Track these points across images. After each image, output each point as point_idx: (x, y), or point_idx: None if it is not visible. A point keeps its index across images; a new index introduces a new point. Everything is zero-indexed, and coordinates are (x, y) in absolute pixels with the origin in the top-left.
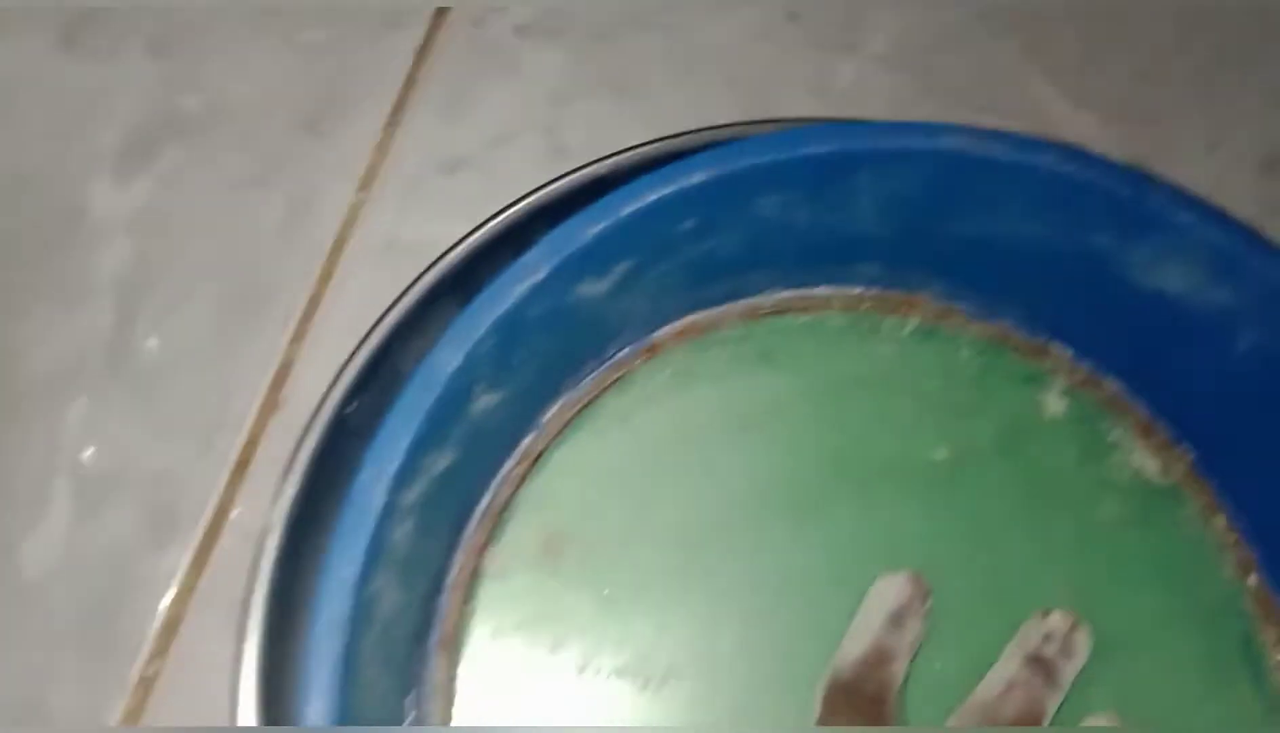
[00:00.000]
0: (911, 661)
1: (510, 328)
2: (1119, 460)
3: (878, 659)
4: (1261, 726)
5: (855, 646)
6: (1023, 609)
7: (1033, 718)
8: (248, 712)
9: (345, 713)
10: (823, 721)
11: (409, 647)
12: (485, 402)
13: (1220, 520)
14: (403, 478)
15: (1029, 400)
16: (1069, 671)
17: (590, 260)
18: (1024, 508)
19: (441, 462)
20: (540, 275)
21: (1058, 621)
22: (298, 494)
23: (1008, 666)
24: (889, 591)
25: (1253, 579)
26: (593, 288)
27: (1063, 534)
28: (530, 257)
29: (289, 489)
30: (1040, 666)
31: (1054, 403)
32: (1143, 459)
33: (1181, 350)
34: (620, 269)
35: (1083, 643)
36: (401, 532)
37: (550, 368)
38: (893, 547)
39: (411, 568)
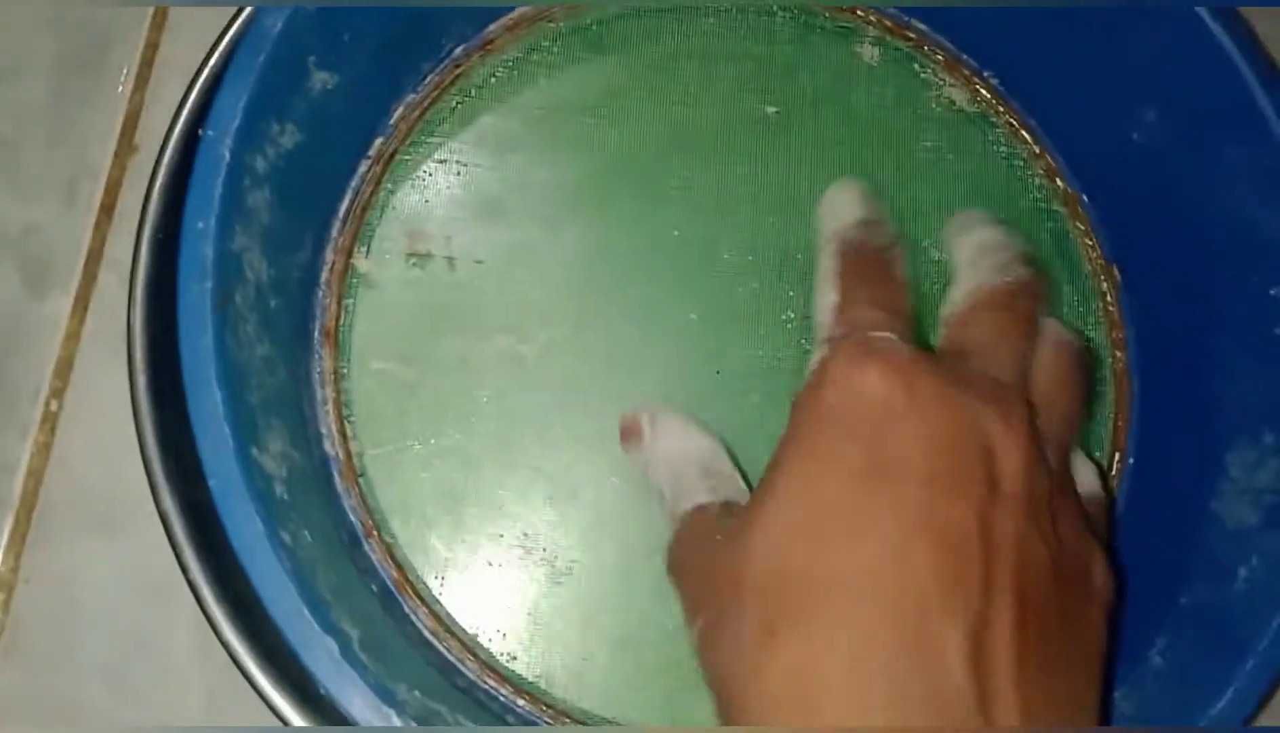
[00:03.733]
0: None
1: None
2: (932, 96)
3: (871, 223)
4: (1075, 309)
5: (847, 215)
6: None
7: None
8: (147, 424)
9: (224, 356)
10: (842, 277)
11: (292, 334)
12: (322, 81)
13: (1026, 135)
14: (246, 138)
15: (845, 52)
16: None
17: None
18: (850, 151)
19: (287, 136)
20: None
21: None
22: (159, 218)
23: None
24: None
25: (1060, 183)
26: None
27: (889, 168)
28: None
29: (151, 211)
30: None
31: (868, 52)
32: (953, 91)
33: None
34: None
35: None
36: (258, 199)
37: (385, 59)
38: (734, 201)
39: (277, 244)
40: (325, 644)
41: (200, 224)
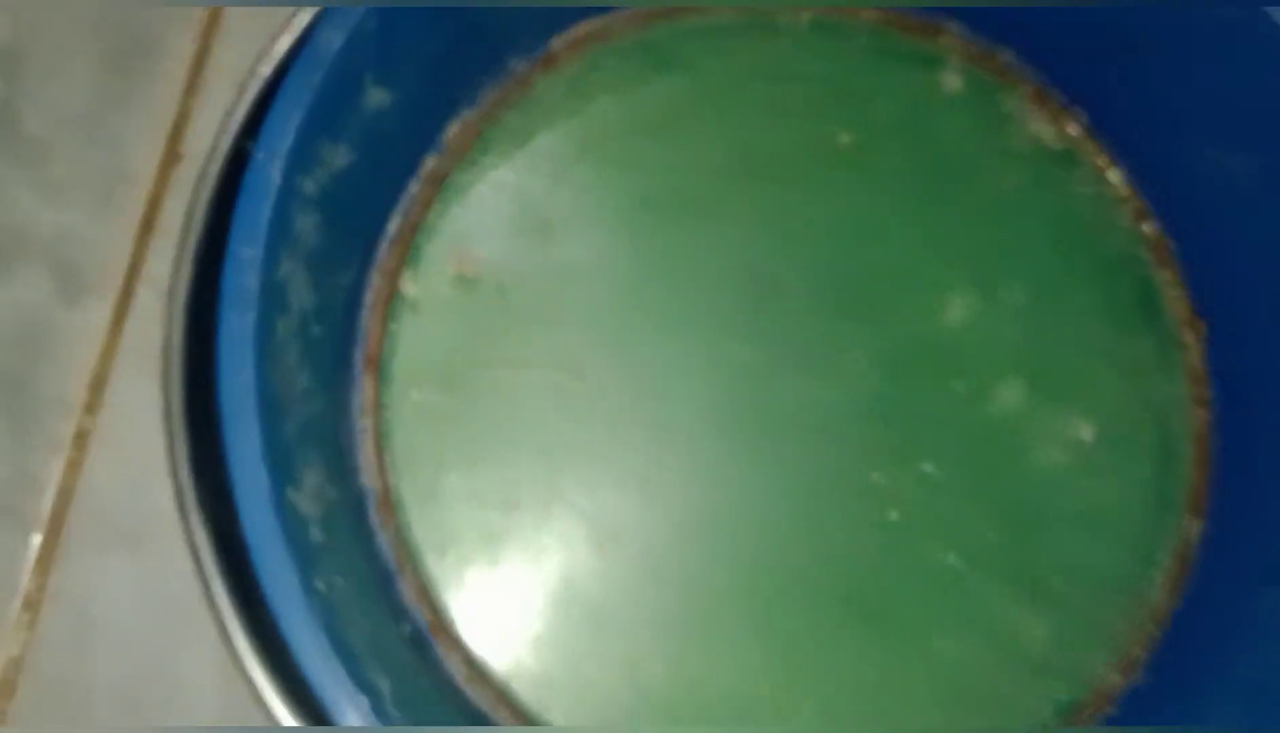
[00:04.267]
0: None
1: (391, 14)
2: (1015, 130)
3: None
4: (1156, 362)
5: None
6: (933, 281)
7: None
8: (181, 449)
9: (264, 391)
10: None
11: (334, 363)
12: (377, 98)
13: (1115, 176)
14: (298, 161)
15: (926, 80)
16: None
17: None
18: (928, 184)
19: (339, 157)
20: None
21: None
22: (202, 235)
23: None
24: None
25: (1147, 227)
26: None
27: (967, 206)
28: None
29: (194, 230)
30: None
31: (950, 80)
32: (1038, 126)
33: (1068, 14)
34: None
35: None
36: (306, 223)
37: (442, 74)
38: (802, 231)
39: (322, 268)
40: (359, 702)
41: (247, 252)
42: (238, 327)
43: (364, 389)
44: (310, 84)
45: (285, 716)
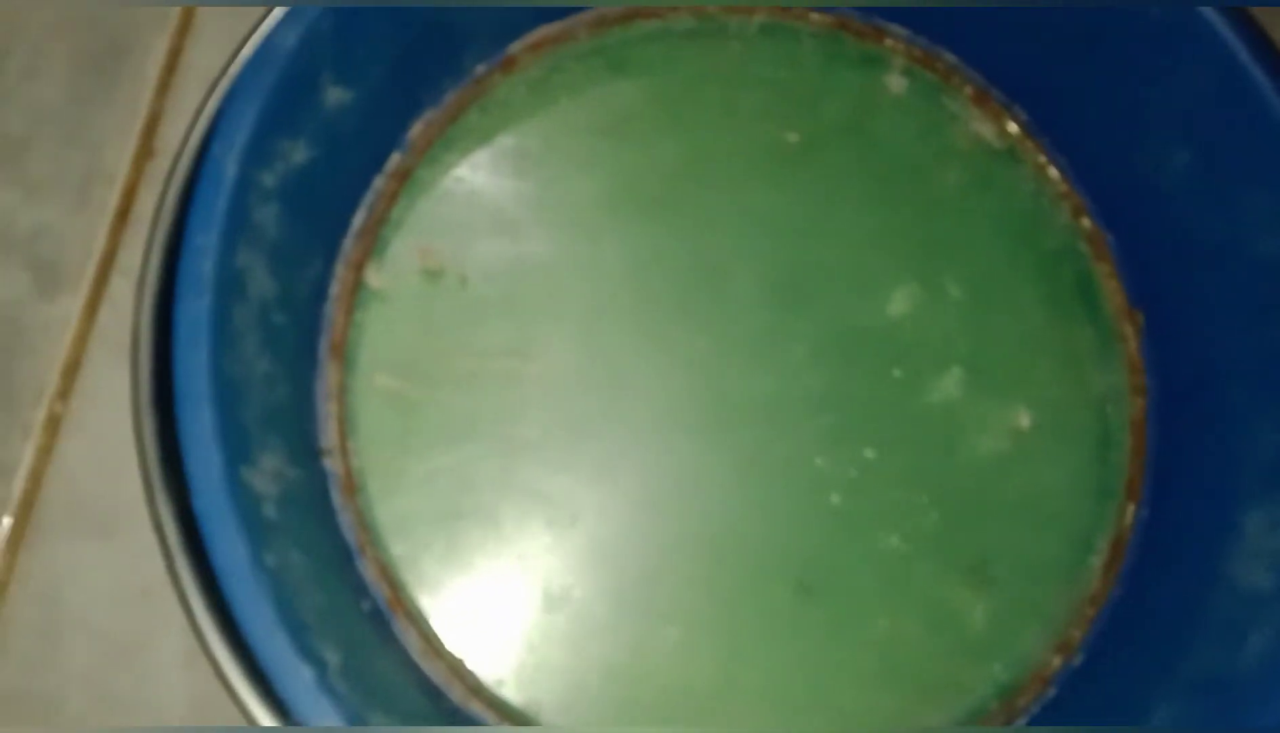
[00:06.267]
0: None
1: (347, 14)
2: (958, 129)
3: None
4: (1094, 352)
5: None
6: (878, 275)
7: None
8: (149, 432)
9: (219, 374)
10: None
11: (297, 350)
12: (337, 97)
13: (1054, 172)
14: (255, 155)
15: (871, 82)
16: None
17: None
18: (873, 182)
19: (298, 152)
20: None
21: None
22: (171, 227)
23: None
24: None
25: (1085, 222)
26: None
27: (911, 202)
28: None
29: (163, 222)
30: None
31: (895, 82)
32: (980, 126)
33: (1009, 14)
34: None
35: None
36: (265, 214)
37: (403, 74)
38: (752, 228)
39: (284, 259)
40: (301, 672)
41: (200, 240)
42: (192, 312)
43: (329, 376)
44: (264, 81)
45: (245, 694)
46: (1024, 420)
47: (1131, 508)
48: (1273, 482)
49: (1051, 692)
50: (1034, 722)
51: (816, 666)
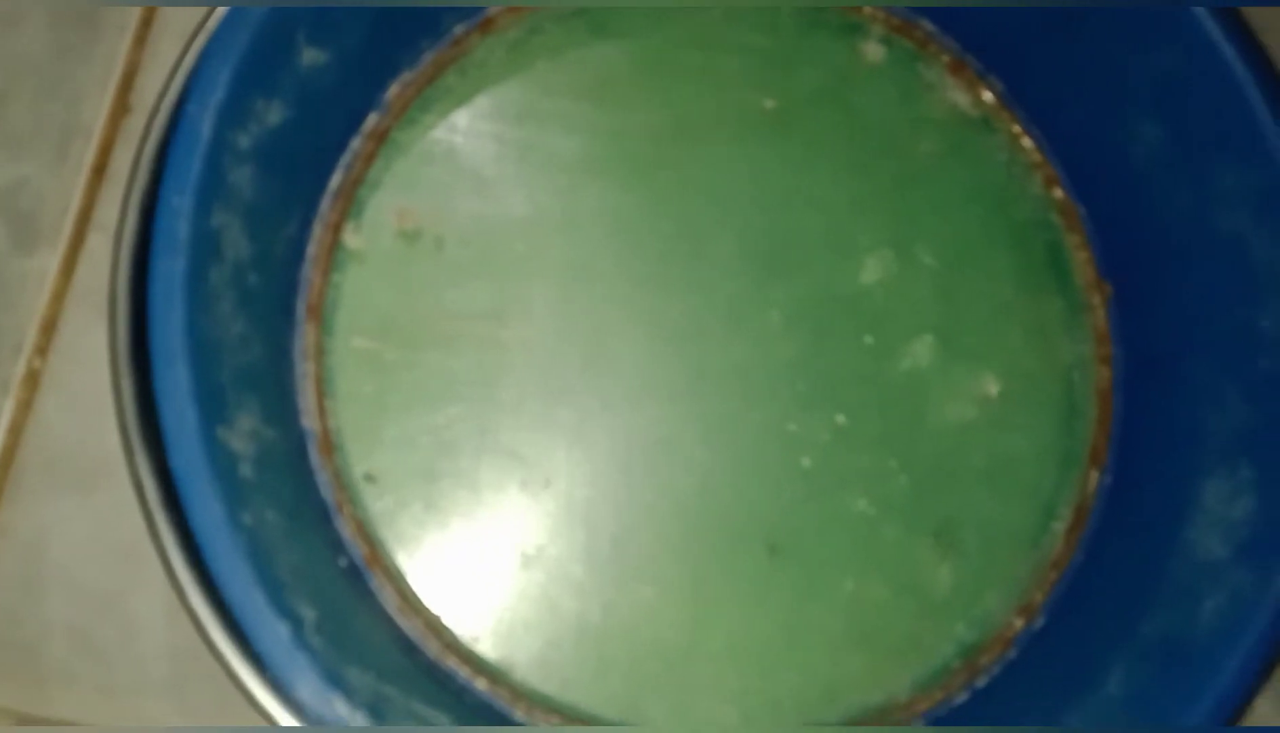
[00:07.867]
0: None
1: None
2: (933, 98)
3: None
4: (1063, 322)
5: None
6: (852, 242)
7: None
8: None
9: (195, 333)
10: None
11: (274, 310)
12: (312, 57)
13: (1028, 143)
14: (230, 114)
15: (849, 49)
16: None
17: None
18: (849, 149)
19: (274, 113)
20: None
21: None
22: (147, 185)
23: None
24: None
25: (1058, 192)
26: None
27: (886, 170)
28: None
29: (139, 179)
30: None
31: (872, 50)
32: (955, 95)
33: None
34: None
35: None
36: (240, 175)
37: (381, 35)
38: (729, 194)
39: (260, 219)
40: (277, 628)
41: (175, 201)
42: (168, 271)
43: (306, 336)
44: (239, 41)
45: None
46: (992, 388)
47: (1095, 475)
48: (1232, 453)
49: (1013, 653)
50: (994, 682)
51: (785, 625)
